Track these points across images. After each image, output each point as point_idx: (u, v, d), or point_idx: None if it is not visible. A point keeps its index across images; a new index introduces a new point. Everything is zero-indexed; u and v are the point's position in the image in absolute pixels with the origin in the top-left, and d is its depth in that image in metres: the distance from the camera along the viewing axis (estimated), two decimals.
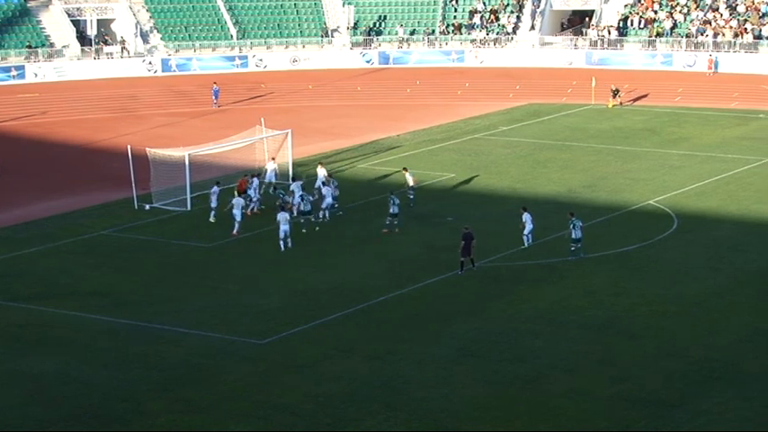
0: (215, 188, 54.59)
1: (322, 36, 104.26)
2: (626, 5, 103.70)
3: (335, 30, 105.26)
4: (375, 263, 48.15)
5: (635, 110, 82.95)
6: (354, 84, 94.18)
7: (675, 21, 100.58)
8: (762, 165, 64.70)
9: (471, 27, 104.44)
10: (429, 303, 43.11)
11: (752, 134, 73.63)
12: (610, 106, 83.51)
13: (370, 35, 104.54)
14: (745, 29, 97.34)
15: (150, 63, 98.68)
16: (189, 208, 56.08)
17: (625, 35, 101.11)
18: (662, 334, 39.55)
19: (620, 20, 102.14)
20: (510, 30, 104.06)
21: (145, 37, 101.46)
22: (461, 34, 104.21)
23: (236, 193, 54.41)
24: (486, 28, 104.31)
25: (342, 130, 76.74)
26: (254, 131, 63.22)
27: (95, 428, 32.89)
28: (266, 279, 46.16)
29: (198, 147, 59.98)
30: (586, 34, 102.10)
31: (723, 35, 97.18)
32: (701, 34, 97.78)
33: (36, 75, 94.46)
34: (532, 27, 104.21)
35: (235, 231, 51.99)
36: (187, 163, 56.34)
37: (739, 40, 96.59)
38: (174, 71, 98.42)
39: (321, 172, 58.11)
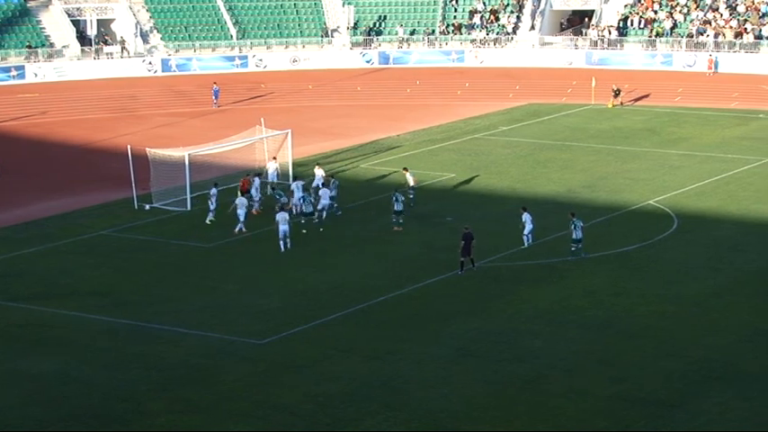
0: (213, 190, 54.58)
1: (322, 36, 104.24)
2: (626, 5, 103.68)
3: (335, 30, 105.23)
4: (375, 263, 48.15)
5: (635, 110, 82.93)
6: (354, 84, 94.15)
7: (675, 21, 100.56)
8: (762, 165, 64.68)
9: (471, 27, 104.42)
10: (429, 303, 43.10)
11: (752, 134, 73.60)
12: (610, 106, 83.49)
13: (370, 35, 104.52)
14: (745, 29, 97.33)
15: (150, 63, 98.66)
16: (189, 208, 56.06)
17: (625, 35, 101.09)
18: (661, 334, 39.54)
19: (620, 20, 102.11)
20: (510, 30, 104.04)
21: (145, 37, 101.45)
22: (461, 34, 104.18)
23: (239, 192, 54.46)
24: (486, 28, 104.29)
25: (342, 130, 76.71)
26: (254, 131, 63.23)
27: (95, 428, 32.89)
28: (266, 279, 46.16)
29: (198, 147, 59.96)
30: (586, 34, 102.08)
31: (723, 35, 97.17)
32: (701, 34, 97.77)
33: (36, 75, 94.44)
34: (532, 27, 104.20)
35: (236, 230, 51.99)
36: (187, 163, 56.33)
37: (739, 41, 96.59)
38: (174, 71, 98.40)
39: (319, 172, 58.19)
